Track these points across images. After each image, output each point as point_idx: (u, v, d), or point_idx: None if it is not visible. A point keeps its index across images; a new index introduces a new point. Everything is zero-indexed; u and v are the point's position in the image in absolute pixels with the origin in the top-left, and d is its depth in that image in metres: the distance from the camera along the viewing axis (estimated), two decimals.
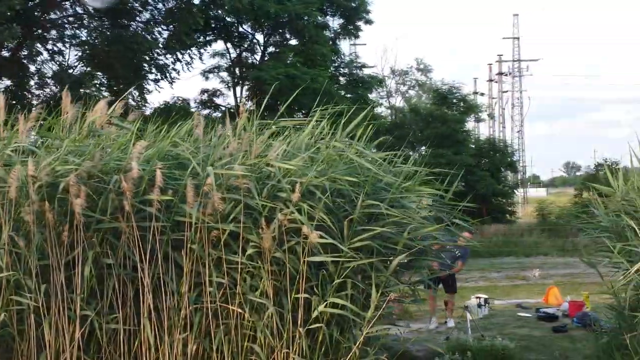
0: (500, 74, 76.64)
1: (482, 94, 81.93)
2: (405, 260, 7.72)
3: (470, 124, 50.66)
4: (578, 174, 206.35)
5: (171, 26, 23.09)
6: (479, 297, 14.37)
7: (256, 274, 6.61)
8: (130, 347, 6.38)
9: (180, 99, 30.88)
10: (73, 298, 6.19)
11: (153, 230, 6.24)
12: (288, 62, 26.17)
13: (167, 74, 26.60)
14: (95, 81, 25.50)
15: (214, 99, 31.93)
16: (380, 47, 69.20)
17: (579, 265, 21.18)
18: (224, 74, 31.65)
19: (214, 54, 31.15)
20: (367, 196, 7.07)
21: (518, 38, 76.54)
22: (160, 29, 23.99)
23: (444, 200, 8.13)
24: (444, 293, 13.28)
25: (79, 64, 24.73)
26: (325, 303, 6.50)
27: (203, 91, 31.50)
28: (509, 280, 19.54)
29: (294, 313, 6.48)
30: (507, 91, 75.80)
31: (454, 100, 30.22)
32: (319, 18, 28.92)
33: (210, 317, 6.42)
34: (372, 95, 32.24)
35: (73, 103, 6.96)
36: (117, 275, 6.32)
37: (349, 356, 6.61)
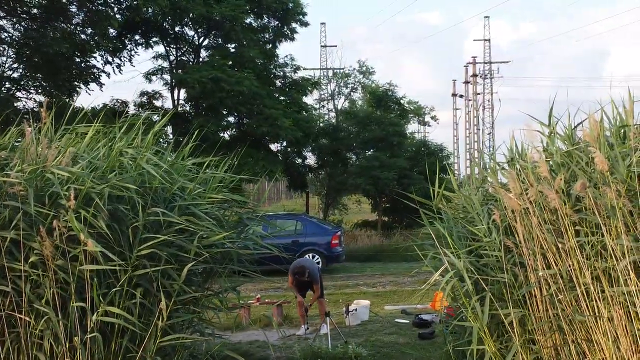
0: (474, 75, 77.13)
1: (461, 96, 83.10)
2: (203, 268, 7.71)
3: (414, 127, 50.86)
4: None
5: (89, 30, 22.90)
6: (357, 303, 14.43)
7: (41, 282, 6.55)
8: None
9: (120, 101, 30.72)
10: None
11: None
12: (215, 65, 26.07)
13: (96, 77, 26.49)
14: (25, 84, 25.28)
15: (154, 101, 31.74)
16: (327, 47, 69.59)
17: None
18: (167, 76, 31.53)
19: (156, 56, 30.99)
20: (154, 203, 7.04)
21: (489, 40, 77.10)
22: (81, 30, 23.78)
23: (244, 205, 8.13)
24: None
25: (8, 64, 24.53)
26: (97, 312, 6.44)
27: (142, 93, 31.29)
28: (419, 284, 19.55)
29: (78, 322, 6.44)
30: (480, 93, 76.27)
31: (390, 104, 30.33)
32: (252, 21, 28.90)
33: None
34: (311, 99, 32.24)
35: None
36: None
37: None
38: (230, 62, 27.07)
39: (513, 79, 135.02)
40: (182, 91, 30.35)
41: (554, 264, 6.30)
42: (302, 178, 31.75)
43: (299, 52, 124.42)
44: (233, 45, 28.46)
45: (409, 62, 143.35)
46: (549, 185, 6.32)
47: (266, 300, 14.89)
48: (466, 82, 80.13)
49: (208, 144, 26.95)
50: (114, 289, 6.55)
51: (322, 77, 76.57)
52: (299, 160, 31.25)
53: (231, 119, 28.08)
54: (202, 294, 7.79)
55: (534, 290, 6.42)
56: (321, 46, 74.65)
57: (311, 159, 32.19)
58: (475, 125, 76.53)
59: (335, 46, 62.92)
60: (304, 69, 30.80)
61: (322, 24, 77.80)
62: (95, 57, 26.10)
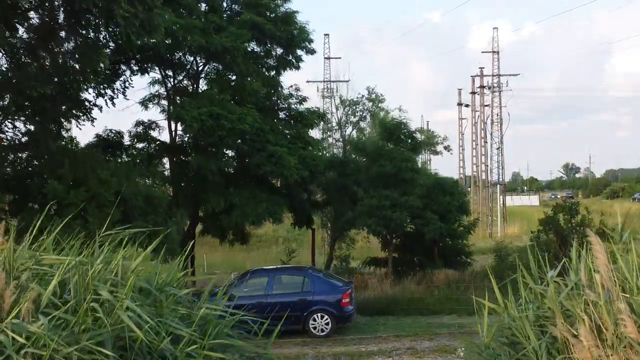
0: (481, 87, 75.52)
1: (467, 105, 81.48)
2: None
3: (425, 157, 49.06)
4: (577, 175, 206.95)
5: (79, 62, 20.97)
6: None
7: None
8: None
9: (114, 131, 28.87)
10: None
11: None
12: (215, 99, 24.18)
13: (88, 111, 24.68)
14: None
15: (150, 131, 29.89)
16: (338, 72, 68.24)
17: None
18: (164, 102, 29.67)
19: (153, 82, 29.16)
20: None
21: (498, 52, 75.29)
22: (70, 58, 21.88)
23: None
24: None
25: None
26: None
27: (138, 123, 29.40)
28: (434, 355, 17.64)
29: None
30: (487, 105, 74.58)
31: (402, 137, 28.40)
32: (255, 49, 27.03)
33: None
34: (316, 132, 30.39)
35: None
36: None
37: None
38: (231, 95, 25.14)
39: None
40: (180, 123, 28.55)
41: None
42: (308, 214, 29.83)
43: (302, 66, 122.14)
44: (234, 77, 26.56)
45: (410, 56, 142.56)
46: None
47: None
48: (473, 93, 78.60)
49: (208, 186, 25.42)
50: None
51: (325, 90, 75.27)
52: (305, 196, 29.36)
53: (231, 153, 26.12)
54: None
55: None
56: (325, 58, 73.09)
57: (317, 193, 30.29)
58: (482, 137, 74.88)
59: (340, 58, 60.96)
60: (308, 81, 28.85)
61: (325, 35, 75.89)
62: (86, 90, 24.30)
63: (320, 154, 27.60)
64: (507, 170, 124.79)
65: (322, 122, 29.92)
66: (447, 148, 49.72)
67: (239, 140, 24.46)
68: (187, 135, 27.51)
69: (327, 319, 19.98)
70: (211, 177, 24.54)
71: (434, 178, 29.80)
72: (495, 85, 74.61)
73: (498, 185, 71.57)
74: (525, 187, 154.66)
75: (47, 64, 20.06)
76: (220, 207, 25.35)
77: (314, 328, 19.95)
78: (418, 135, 29.98)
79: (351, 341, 19.67)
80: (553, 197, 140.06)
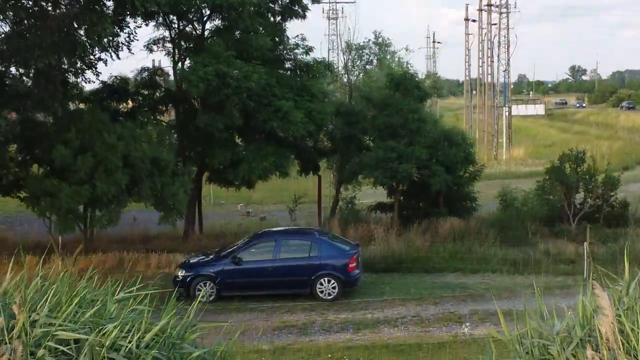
0: (489, 5, 74.22)
1: (474, 20, 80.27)
2: None
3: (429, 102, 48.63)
4: (584, 78, 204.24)
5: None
6: None
7: None
8: None
9: (119, 78, 28.69)
10: None
11: None
12: (222, 55, 23.91)
13: (93, 65, 24.58)
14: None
15: (155, 77, 29.67)
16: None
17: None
18: (169, 45, 29.32)
19: (157, 24, 28.74)
20: None
21: None
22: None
23: None
24: None
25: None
26: None
27: (143, 69, 29.16)
28: (440, 324, 18.06)
29: None
30: (495, 24, 73.43)
31: (409, 88, 28.11)
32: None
33: None
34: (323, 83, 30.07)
35: None
36: None
37: None
38: (236, 51, 24.81)
39: None
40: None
41: None
42: (314, 162, 29.87)
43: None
44: (238, 32, 26.17)
45: None
46: None
47: None
48: (480, 10, 77.37)
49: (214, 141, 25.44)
50: None
51: (330, 12, 73.68)
52: (311, 144, 29.33)
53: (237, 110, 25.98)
54: None
55: None
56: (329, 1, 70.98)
57: (323, 142, 30.19)
58: (489, 57, 74.03)
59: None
60: (314, 2, 28.14)
61: None
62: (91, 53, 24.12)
63: (327, 106, 27.34)
64: (513, 73, 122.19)
65: (328, 72, 29.52)
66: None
67: (245, 95, 24.33)
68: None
69: (334, 283, 20.34)
70: (217, 134, 24.55)
71: (441, 129, 29.62)
72: (504, 4, 73.27)
73: (504, 108, 71.01)
74: (532, 92, 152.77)
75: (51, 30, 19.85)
76: (227, 162, 25.46)
77: (321, 292, 20.33)
78: (425, 85, 29.56)
79: (358, 305, 20.09)
80: (559, 103, 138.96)
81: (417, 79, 28.94)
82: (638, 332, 5.88)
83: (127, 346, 6.14)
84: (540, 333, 6.90)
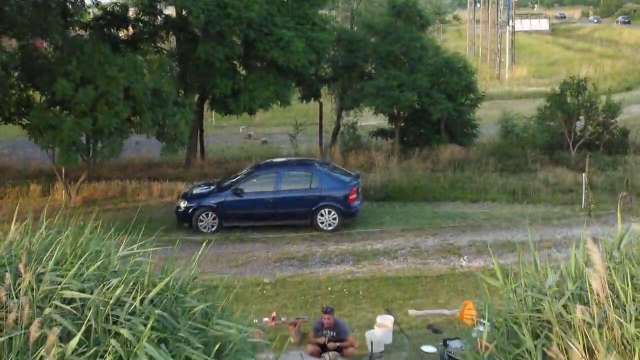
0: None
1: None
2: None
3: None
4: None
5: None
6: (380, 324, 13.30)
7: None
8: None
9: (119, 4, 28.40)
10: None
11: None
12: None
13: None
14: None
15: (155, 2, 29.22)
16: None
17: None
18: None
19: None
20: None
21: None
22: None
23: None
24: None
25: None
26: None
27: None
28: (438, 256, 18.42)
29: None
30: None
31: (410, 15, 27.81)
32: None
33: None
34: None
35: None
36: None
37: None
38: None
39: None
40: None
41: None
42: (316, 89, 29.77)
43: None
44: None
45: None
46: None
47: (282, 320, 13.79)
48: None
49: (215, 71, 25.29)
50: None
51: None
52: (312, 71, 29.16)
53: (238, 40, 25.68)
54: None
55: None
56: None
57: (325, 70, 29.99)
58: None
59: None
60: None
61: None
62: None
63: (328, 34, 27.03)
64: None
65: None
66: (456, 17, 48.03)
67: (246, 26, 24.12)
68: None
69: (334, 215, 20.65)
70: (218, 64, 24.45)
71: (442, 57, 29.39)
72: None
73: (507, 27, 69.78)
74: (536, 5, 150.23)
75: None
76: (228, 92, 25.43)
77: (322, 223, 20.67)
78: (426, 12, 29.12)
79: (357, 236, 20.45)
80: (559, 17, 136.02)
81: (418, 6, 28.56)
82: (627, 289, 6.09)
83: (131, 303, 6.30)
84: (534, 286, 7.10)
